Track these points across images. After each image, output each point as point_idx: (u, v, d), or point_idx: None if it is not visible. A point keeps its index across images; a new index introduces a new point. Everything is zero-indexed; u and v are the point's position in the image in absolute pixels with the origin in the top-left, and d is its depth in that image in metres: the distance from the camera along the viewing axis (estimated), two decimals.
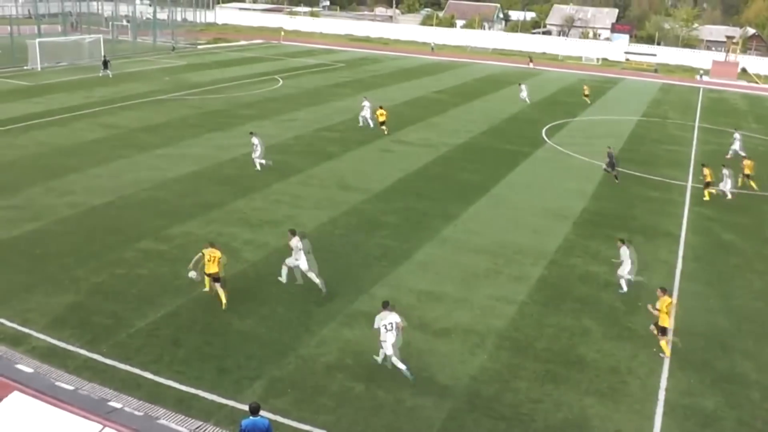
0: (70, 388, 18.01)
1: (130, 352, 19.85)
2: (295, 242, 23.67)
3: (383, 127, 48.76)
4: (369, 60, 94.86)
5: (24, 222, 29.55)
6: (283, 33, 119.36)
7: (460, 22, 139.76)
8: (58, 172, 36.37)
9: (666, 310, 20.86)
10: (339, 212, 32.25)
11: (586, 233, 31.46)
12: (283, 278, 24.25)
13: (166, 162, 39.15)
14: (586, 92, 68.87)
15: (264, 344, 20.62)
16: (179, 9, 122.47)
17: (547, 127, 53.96)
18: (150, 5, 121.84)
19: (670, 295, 22.07)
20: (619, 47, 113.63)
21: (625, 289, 25.26)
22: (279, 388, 18.52)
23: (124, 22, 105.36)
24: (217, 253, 22.61)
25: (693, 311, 24.20)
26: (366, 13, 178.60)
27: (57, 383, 18.19)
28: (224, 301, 22.60)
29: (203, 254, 22.63)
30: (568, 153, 46.18)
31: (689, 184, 40.80)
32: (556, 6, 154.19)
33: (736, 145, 46.64)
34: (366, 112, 50.87)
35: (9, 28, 79.73)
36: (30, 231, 28.70)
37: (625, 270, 25.11)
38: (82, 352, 19.77)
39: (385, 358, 19.45)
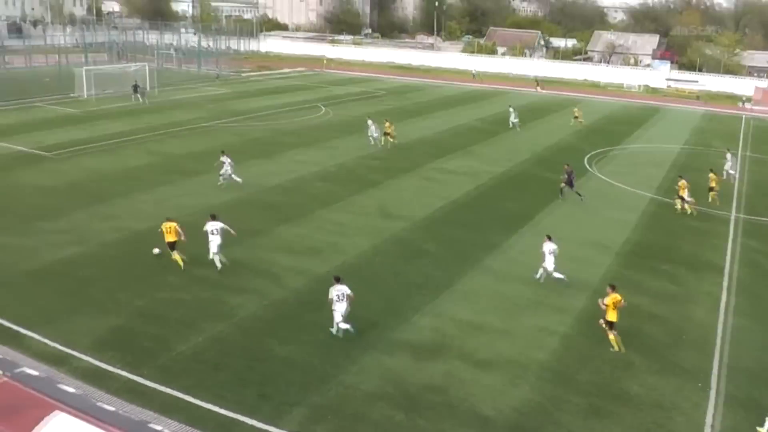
0: (112, 409, 18.18)
1: (171, 375, 19.99)
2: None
3: (390, 139, 52.16)
4: (411, 88, 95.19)
5: (69, 245, 30.06)
6: (325, 61, 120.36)
7: (501, 50, 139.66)
8: (103, 197, 36.97)
9: (613, 306, 22.47)
10: (381, 240, 32.26)
11: (628, 264, 31.06)
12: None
13: (210, 188, 39.54)
14: (576, 114, 68.08)
15: (305, 371, 20.61)
16: (224, 38, 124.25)
17: (589, 155, 53.54)
18: (195, 34, 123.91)
19: (619, 293, 22.91)
20: (661, 74, 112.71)
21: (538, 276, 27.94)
22: (319, 414, 18.48)
23: (171, 51, 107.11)
24: (173, 223, 27.19)
25: (739, 346, 23.72)
26: (408, 40, 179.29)
27: (98, 404, 18.37)
28: (182, 264, 27.20)
29: (162, 229, 27.06)
30: (610, 182, 45.76)
31: (733, 214, 40.13)
32: (597, 32, 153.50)
33: (728, 166, 47.89)
34: (372, 132, 52.87)
35: (57, 57, 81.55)
36: (74, 254, 29.19)
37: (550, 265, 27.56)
38: (124, 374, 19.97)
39: (338, 328, 22.46)
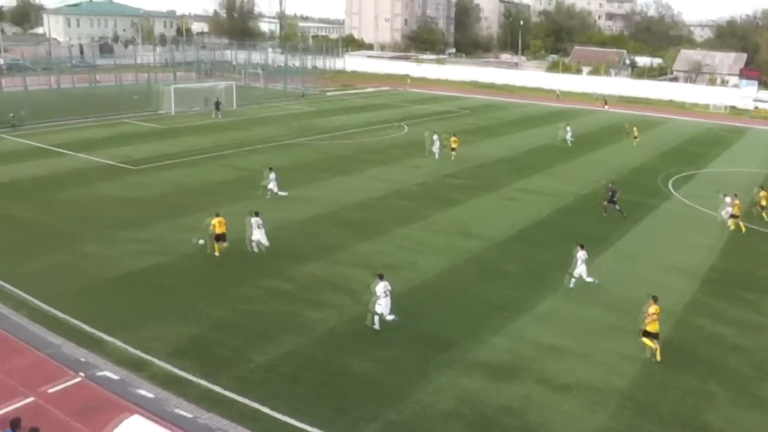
0: (189, 416, 18.60)
1: (249, 385, 20.29)
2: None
3: (453, 152, 54.03)
4: (494, 107, 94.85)
5: (152, 255, 30.96)
6: (409, 80, 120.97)
7: (585, 69, 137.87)
8: (186, 210, 37.89)
9: (656, 317, 23.02)
10: (461, 259, 32.14)
11: (713, 292, 30.10)
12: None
13: (292, 204, 40.10)
14: (635, 134, 66.84)
15: (381, 387, 20.65)
16: (309, 56, 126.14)
17: (673, 178, 52.30)
18: (281, 53, 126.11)
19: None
20: (748, 94, 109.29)
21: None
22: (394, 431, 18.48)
23: (257, 70, 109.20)
24: (223, 219, 30.72)
25: None
26: (491, 59, 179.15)
27: (176, 410, 18.81)
28: (221, 250, 30.71)
29: (214, 223, 30.54)
30: (694, 206, 44.56)
31: None
32: (682, 51, 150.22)
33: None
34: (435, 146, 54.92)
35: (147, 75, 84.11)
36: (157, 264, 30.05)
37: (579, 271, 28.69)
38: (202, 382, 20.38)
39: (380, 319, 24.14)
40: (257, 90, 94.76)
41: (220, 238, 30.96)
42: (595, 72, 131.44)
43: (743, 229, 38.73)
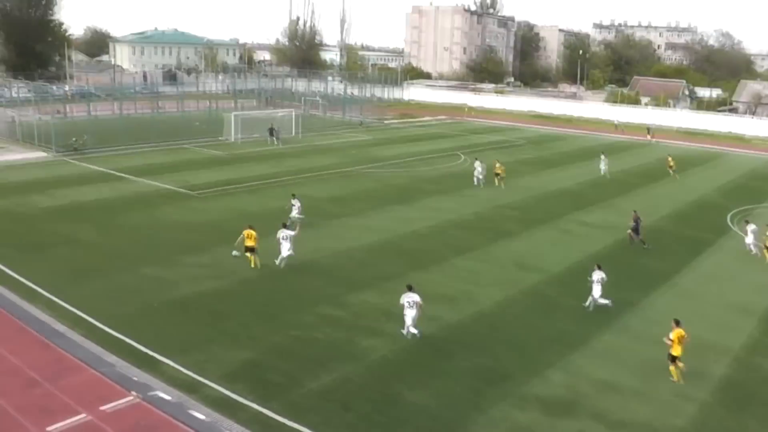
0: None
1: (300, 411, 20.45)
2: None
3: (498, 179, 56.09)
4: (552, 137, 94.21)
5: (209, 279, 31.52)
6: (467, 110, 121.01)
7: (644, 99, 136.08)
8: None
9: (678, 341, 23.53)
10: (516, 291, 31.96)
11: None
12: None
13: (348, 231, 40.42)
14: (671, 164, 65.33)
15: (433, 417, 20.60)
16: (369, 86, 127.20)
17: (733, 212, 51.21)
18: (341, 82, 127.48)
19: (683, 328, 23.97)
20: None
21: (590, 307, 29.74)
22: None
23: (317, 98, 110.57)
24: (253, 232, 32.19)
25: None
26: (550, 89, 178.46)
27: None
28: (258, 264, 32.07)
29: (244, 235, 32.79)
30: (754, 242, 43.45)
31: None
32: (743, 82, 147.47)
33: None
34: (478, 173, 56.24)
35: (208, 102, 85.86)
36: (214, 288, 30.57)
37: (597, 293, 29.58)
38: (254, 406, 20.62)
39: (408, 331, 25.71)
40: (317, 118, 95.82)
41: (249, 249, 32.97)
42: (654, 103, 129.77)
43: None
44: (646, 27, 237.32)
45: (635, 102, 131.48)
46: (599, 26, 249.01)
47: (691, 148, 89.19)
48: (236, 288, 30.82)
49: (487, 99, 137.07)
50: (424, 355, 24.90)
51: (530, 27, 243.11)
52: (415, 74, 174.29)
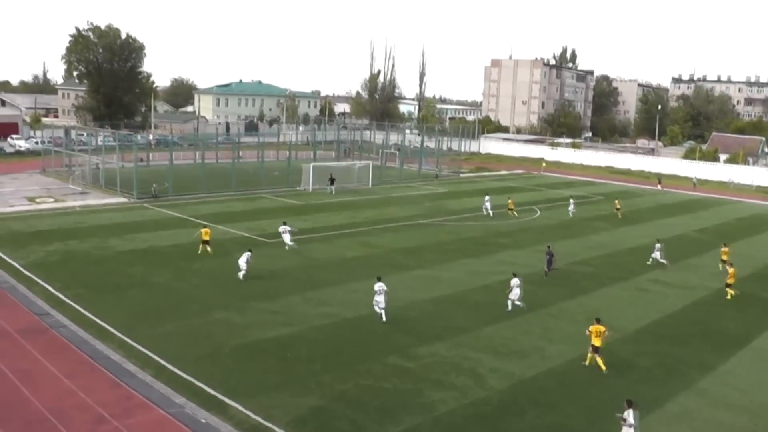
0: None
1: None
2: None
3: (511, 213, 64.26)
4: (628, 193, 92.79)
5: (279, 326, 32.04)
6: (544, 164, 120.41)
7: (723, 156, 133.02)
8: (318, 284, 38.95)
9: (597, 335, 28.88)
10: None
11: None
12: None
13: (420, 283, 40.49)
14: (618, 206, 65.54)
15: None
16: (445, 138, 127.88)
17: None
18: (418, 134, 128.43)
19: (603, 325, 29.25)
20: None
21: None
22: None
23: (393, 150, 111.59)
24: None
25: None
26: (627, 144, 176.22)
27: None
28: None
29: (201, 232, 45.62)
30: None
31: None
32: None
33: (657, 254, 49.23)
34: (487, 207, 64.92)
35: (288, 152, 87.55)
36: (284, 335, 31.05)
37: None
38: None
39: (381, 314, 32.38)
40: (393, 170, 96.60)
41: (206, 243, 44.94)
42: (732, 160, 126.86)
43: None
44: (726, 82, 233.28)
45: (713, 159, 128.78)
46: (678, 80, 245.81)
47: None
48: (307, 335, 31.16)
49: (563, 153, 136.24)
50: (494, 410, 24.68)
51: (608, 81, 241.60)
52: (492, 127, 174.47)
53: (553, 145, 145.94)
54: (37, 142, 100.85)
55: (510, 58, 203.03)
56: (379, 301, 33.14)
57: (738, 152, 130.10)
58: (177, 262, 43.08)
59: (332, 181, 76.82)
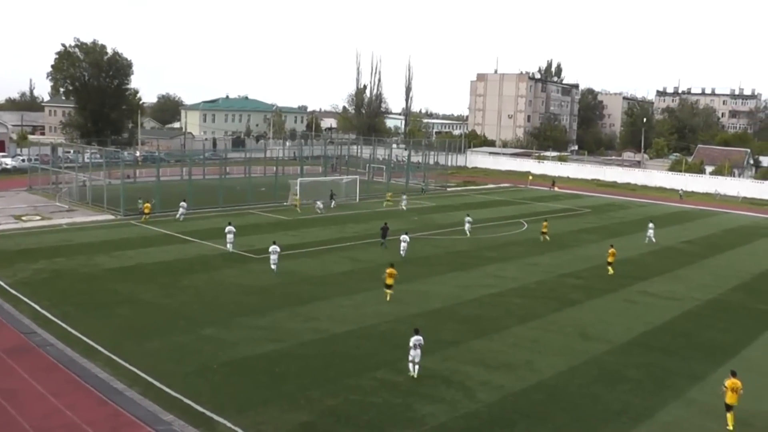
0: None
1: None
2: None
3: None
4: (615, 206, 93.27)
5: (268, 342, 31.92)
6: (530, 177, 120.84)
7: (708, 168, 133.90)
8: (305, 299, 38.86)
9: (731, 390, 24.90)
10: (579, 361, 31.43)
11: None
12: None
13: (409, 297, 40.40)
14: (544, 230, 62.86)
15: None
16: (432, 153, 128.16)
17: None
18: (405, 149, 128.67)
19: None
20: None
21: None
22: None
23: (380, 165, 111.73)
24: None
25: None
26: (613, 157, 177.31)
27: None
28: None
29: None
30: None
31: None
32: None
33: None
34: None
35: (275, 168, 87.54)
36: (272, 351, 30.91)
37: None
38: None
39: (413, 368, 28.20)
40: (380, 185, 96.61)
41: (146, 214, 52.54)
42: (718, 172, 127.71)
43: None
44: (710, 94, 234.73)
45: (699, 171, 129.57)
46: (663, 93, 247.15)
47: (759, 218, 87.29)
48: (295, 350, 31.02)
49: (549, 167, 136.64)
50: (483, 423, 24.61)
51: (593, 94, 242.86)
52: (478, 142, 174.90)
53: (539, 158, 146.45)
54: (23, 160, 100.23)
55: (495, 72, 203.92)
56: (415, 356, 28.28)
57: (723, 164, 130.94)
58: (164, 278, 42.88)
59: (332, 196, 77.29)
